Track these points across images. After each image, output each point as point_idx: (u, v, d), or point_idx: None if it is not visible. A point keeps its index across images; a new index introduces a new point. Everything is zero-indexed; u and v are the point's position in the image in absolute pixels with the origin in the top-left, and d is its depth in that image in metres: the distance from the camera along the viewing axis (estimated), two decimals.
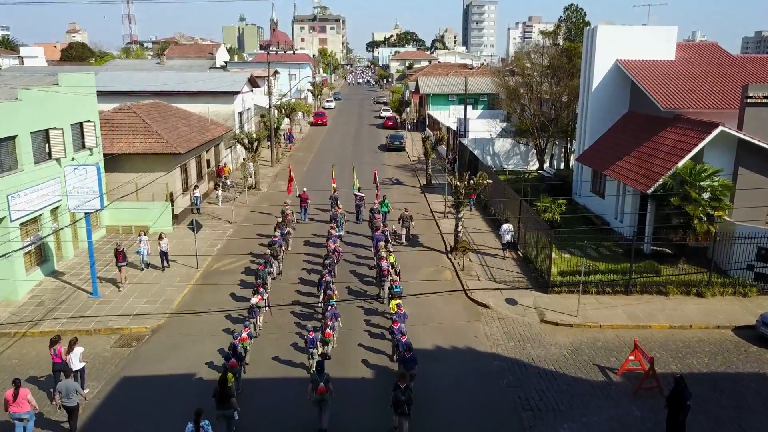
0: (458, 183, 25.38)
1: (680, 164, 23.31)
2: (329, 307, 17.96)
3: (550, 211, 27.27)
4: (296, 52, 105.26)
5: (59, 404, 14.09)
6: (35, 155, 22.52)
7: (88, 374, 16.07)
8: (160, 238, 24.26)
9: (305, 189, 32.54)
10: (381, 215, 28.11)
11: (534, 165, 42.69)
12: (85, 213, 21.55)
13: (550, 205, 27.59)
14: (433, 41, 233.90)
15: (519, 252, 25.90)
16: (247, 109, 47.90)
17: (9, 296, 21.06)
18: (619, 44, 30.49)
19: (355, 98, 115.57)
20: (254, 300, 18.63)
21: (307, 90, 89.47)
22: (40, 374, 16.68)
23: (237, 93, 43.32)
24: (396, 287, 19.84)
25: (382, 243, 23.36)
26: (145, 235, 24.40)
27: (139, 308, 20.68)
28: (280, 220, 27.10)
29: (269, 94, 46.09)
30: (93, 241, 26.63)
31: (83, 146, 26.14)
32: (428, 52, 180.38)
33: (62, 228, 23.79)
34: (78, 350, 15.40)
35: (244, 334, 16.48)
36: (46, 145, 23.41)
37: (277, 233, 25.15)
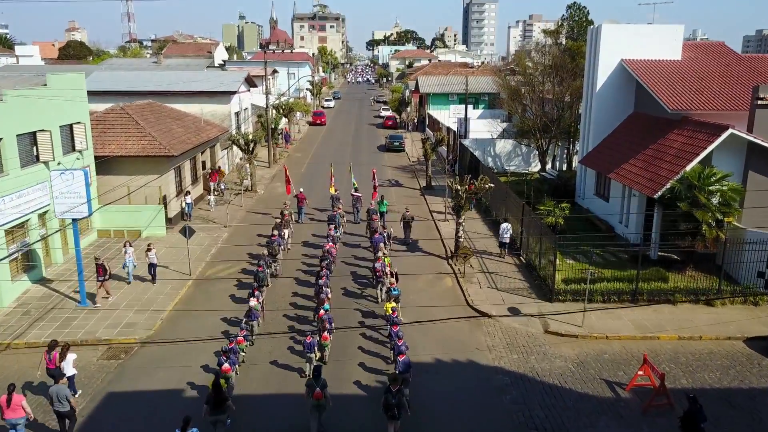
0: (459, 187, 24.63)
1: (688, 168, 22.57)
2: (322, 312, 17.60)
3: (553, 215, 26.53)
4: (293, 51, 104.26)
5: (52, 410, 13.96)
6: (22, 159, 21.79)
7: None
8: (148, 249, 22.57)
9: (302, 189, 32.49)
10: (379, 215, 28.21)
11: (536, 166, 41.95)
12: (73, 219, 20.76)
13: (553, 209, 26.85)
14: (433, 40, 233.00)
15: (522, 257, 25.17)
16: (244, 109, 47.16)
17: None
18: (624, 44, 29.72)
19: (354, 97, 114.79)
20: (252, 303, 18.46)
21: (306, 89, 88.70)
22: (24, 387, 15.96)
23: (234, 93, 42.61)
24: (394, 290, 19.66)
25: (381, 245, 23.27)
26: (131, 246, 22.74)
27: (128, 318, 19.95)
28: (278, 220, 26.88)
29: (266, 93, 45.33)
30: (84, 245, 26.07)
31: (73, 149, 25.39)
32: (428, 51, 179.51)
33: (49, 235, 23.04)
34: (71, 357, 15.48)
35: (240, 337, 16.62)
36: (34, 148, 22.68)
37: (276, 233, 24.84)
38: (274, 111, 51.45)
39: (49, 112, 23.21)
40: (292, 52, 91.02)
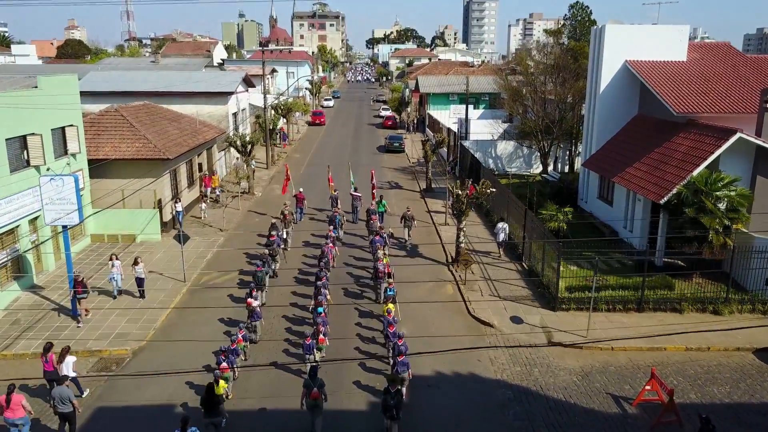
0: (459, 192, 24.08)
1: (695, 173, 22.02)
2: (320, 314, 17.64)
3: (556, 220, 25.97)
4: (292, 51, 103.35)
5: (54, 412, 13.96)
6: (11, 163, 21.22)
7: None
8: (135, 263, 21.25)
9: (301, 189, 32.32)
10: (378, 216, 28.16)
11: (537, 168, 41.39)
12: (63, 226, 20.21)
13: (556, 213, 26.28)
14: (433, 38, 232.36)
15: (524, 264, 24.62)
16: (242, 110, 46.57)
17: None
18: (628, 44, 29.13)
19: (354, 96, 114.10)
20: (255, 303, 18.59)
21: (305, 88, 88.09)
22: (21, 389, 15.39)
23: (231, 93, 42.01)
24: (390, 290, 19.91)
25: (380, 245, 23.42)
26: (117, 259, 21.46)
27: (120, 327, 19.40)
28: (276, 220, 26.78)
29: (265, 93, 44.73)
30: (78, 250, 25.59)
31: (65, 152, 24.81)
32: (428, 50, 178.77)
33: (41, 243, 22.47)
34: (70, 359, 15.42)
35: (239, 337, 16.60)
36: (24, 153, 22.12)
37: (274, 234, 24.80)
38: (272, 111, 50.87)
39: (39, 115, 22.60)
40: (290, 52, 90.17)
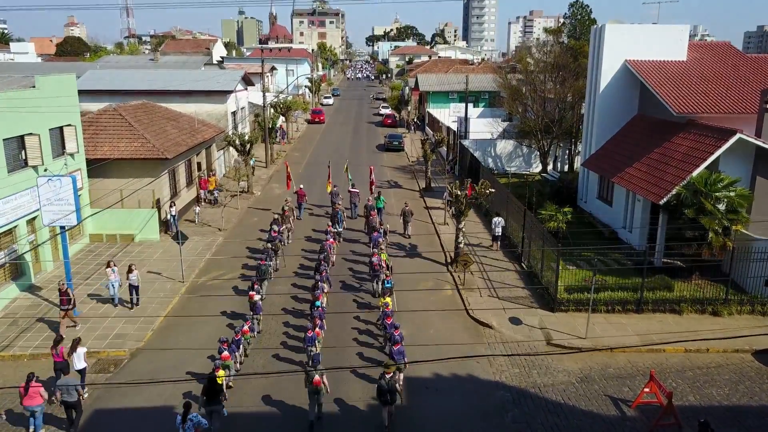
0: (459, 192, 24.02)
1: (695, 173, 21.96)
2: (317, 308, 18.16)
3: (555, 220, 25.90)
4: (291, 49, 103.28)
5: (59, 400, 14.36)
6: (9, 163, 21.17)
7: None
8: (129, 270, 20.53)
9: (302, 186, 32.97)
10: (377, 212, 28.89)
11: (537, 167, 41.33)
12: (61, 227, 20.15)
13: (555, 213, 26.21)
14: (433, 35, 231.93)
15: (523, 264, 24.58)
16: (241, 108, 46.46)
17: None
18: (628, 44, 29.04)
19: (353, 95, 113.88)
20: (257, 297, 19.07)
21: (305, 86, 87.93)
22: (11, 404, 15.35)
23: (230, 92, 41.90)
24: (387, 282, 20.54)
25: (380, 240, 24.06)
26: (115, 265, 20.96)
27: (118, 328, 19.36)
28: (278, 216, 27.28)
29: (264, 92, 44.64)
30: (76, 250, 25.53)
31: (63, 152, 24.73)
32: (428, 47, 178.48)
33: (40, 245, 22.39)
34: (81, 350, 15.93)
35: (246, 327, 17.41)
36: (22, 152, 22.05)
37: (275, 229, 25.35)
38: (271, 110, 50.76)
39: (37, 115, 22.52)
40: (290, 50, 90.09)
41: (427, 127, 62.90)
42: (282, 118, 56.24)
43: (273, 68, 74.05)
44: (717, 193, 21.25)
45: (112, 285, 20.68)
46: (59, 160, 24.31)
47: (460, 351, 18.15)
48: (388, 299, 18.87)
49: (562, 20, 51.52)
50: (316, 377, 14.13)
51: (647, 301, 20.45)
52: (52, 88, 24.06)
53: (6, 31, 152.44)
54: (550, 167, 40.59)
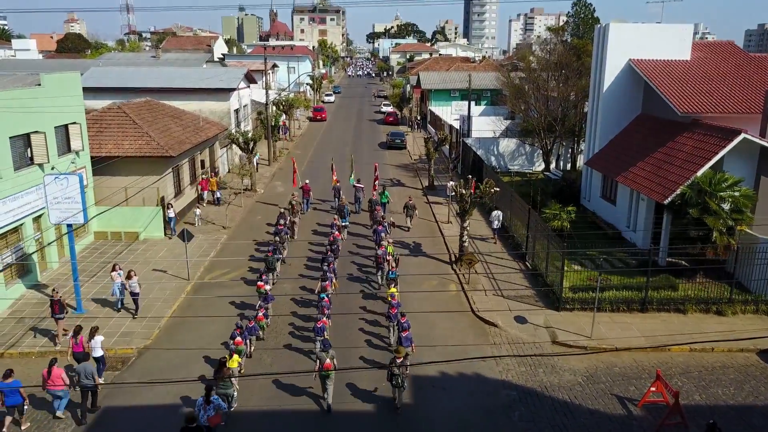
0: (464, 191, 24.07)
1: (699, 173, 22.01)
2: (323, 299, 18.57)
3: (559, 219, 25.97)
4: (293, 47, 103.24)
5: (76, 384, 15.02)
6: (15, 161, 21.20)
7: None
8: (128, 277, 19.92)
9: (307, 181, 33.65)
10: (381, 206, 29.48)
11: (539, 166, 41.38)
12: (68, 226, 20.19)
13: (559, 212, 26.29)
14: (434, 33, 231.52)
15: (527, 263, 24.65)
16: (244, 106, 46.45)
17: None
18: (632, 43, 29.05)
19: (354, 92, 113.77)
20: (267, 287, 19.64)
21: (306, 84, 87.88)
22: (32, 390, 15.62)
23: (233, 90, 41.88)
24: (392, 273, 20.96)
25: (383, 234, 24.62)
26: (121, 269, 20.50)
27: (125, 326, 19.43)
28: (283, 210, 27.76)
29: (267, 89, 44.63)
30: (81, 248, 25.57)
31: (69, 150, 24.77)
32: (429, 44, 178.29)
33: (49, 244, 22.43)
34: (99, 338, 16.49)
35: (260, 314, 18.19)
36: (28, 150, 22.08)
37: (282, 223, 26.00)
38: (273, 107, 50.73)
39: (43, 113, 22.55)
40: (293, 48, 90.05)
41: (429, 125, 62.88)
42: (284, 115, 56.26)
43: (275, 65, 73.94)
44: (721, 193, 21.31)
45: (117, 289, 20.20)
46: (65, 158, 24.34)
47: (466, 350, 18.24)
48: (393, 289, 19.29)
49: (564, 18, 51.45)
50: (327, 361, 14.80)
51: (652, 301, 20.52)
52: (58, 86, 24.08)
53: (6, 28, 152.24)
54: (552, 166, 40.63)
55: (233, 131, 37.92)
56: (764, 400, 15.76)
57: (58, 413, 14.94)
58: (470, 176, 27.56)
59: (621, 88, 29.66)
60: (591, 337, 18.69)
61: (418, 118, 69.87)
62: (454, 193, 32.20)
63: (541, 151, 40.64)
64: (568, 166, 40.89)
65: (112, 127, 28.99)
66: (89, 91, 36.56)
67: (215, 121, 38.82)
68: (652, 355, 17.96)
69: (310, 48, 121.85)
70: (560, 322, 19.75)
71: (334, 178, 32.95)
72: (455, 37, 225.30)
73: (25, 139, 21.91)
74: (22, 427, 14.59)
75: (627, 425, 14.78)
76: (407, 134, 57.85)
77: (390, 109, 73.37)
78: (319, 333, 17.01)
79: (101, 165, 26.61)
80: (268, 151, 45.27)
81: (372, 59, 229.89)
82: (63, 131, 24.41)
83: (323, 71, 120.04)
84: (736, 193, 21.39)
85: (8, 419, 14.61)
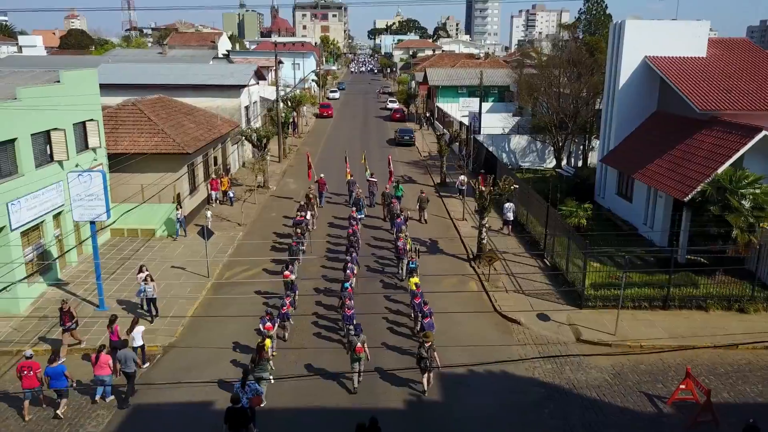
0: (483, 188, 24.04)
1: (720, 170, 21.99)
2: (346, 289, 19.15)
3: (576, 216, 25.96)
4: (295, 43, 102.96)
5: (120, 371, 15.66)
6: (36, 158, 21.18)
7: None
8: (146, 281, 19.43)
9: (322, 175, 33.81)
10: (397, 200, 29.79)
11: (551, 163, 41.34)
12: (91, 223, 20.17)
13: (576, 210, 26.27)
14: (436, 29, 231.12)
15: (546, 260, 24.64)
16: (254, 103, 46.38)
17: (10, 309, 19.81)
18: (648, 40, 28.97)
19: (359, 89, 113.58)
20: (292, 276, 20.26)
21: (312, 80, 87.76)
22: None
23: (244, 86, 41.80)
24: (412, 263, 21.54)
25: (403, 227, 25.03)
26: (147, 270, 20.00)
27: (149, 324, 19.35)
28: (303, 203, 28.42)
29: (276, 85, 44.53)
30: (99, 245, 25.49)
31: (86, 147, 24.74)
32: (431, 41, 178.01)
33: (74, 247, 22.45)
34: (139, 329, 17.08)
35: (287, 303, 18.51)
36: (48, 147, 22.05)
37: (301, 214, 26.67)
38: (282, 104, 50.66)
39: (62, 110, 22.52)
40: (303, 44, 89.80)
41: (436, 122, 62.78)
42: (294, 113, 56.24)
43: (280, 62, 73.78)
44: (742, 190, 21.32)
45: (143, 290, 19.59)
46: (82, 155, 24.31)
47: (491, 349, 18.17)
48: (415, 279, 19.80)
49: (567, 15, 51.38)
50: (358, 345, 15.45)
51: (673, 298, 20.52)
52: (76, 83, 24.04)
53: (8, 24, 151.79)
54: (564, 163, 40.59)
55: (245, 128, 37.85)
56: None
57: (108, 399, 15.52)
58: (482, 171, 27.62)
59: (636, 86, 29.60)
60: (615, 334, 18.71)
61: (428, 114, 69.63)
62: (464, 187, 32.38)
63: (552, 148, 40.60)
64: (579, 163, 40.84)
65: (127, 124, 28.96)
66: (101, 88, 36.43)
67: (226, 117, 38.74)
68: (678, 353, 17.94)
69: (314, 44, 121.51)
70: (583, 320, 19.75)
71: (348, 171, 33.73)
72: (457, 34, 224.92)
73: (45, 137, 21.88)
74: (60, 411, 14.78)
75: (658, 423, 14.80)
76: (415, 131, 57.75)
77: (396, 105, 73.26)
78: (348, 321, 17.59)
79: (116, 161, 26.56)
80: (278, 149, 45.20)
81: (374, 56, 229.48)
82: (81, 128, 24.38)
83: (333, 67, 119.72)
84: (757, 191, 21.40)
85: (27, 402, 14.79)
